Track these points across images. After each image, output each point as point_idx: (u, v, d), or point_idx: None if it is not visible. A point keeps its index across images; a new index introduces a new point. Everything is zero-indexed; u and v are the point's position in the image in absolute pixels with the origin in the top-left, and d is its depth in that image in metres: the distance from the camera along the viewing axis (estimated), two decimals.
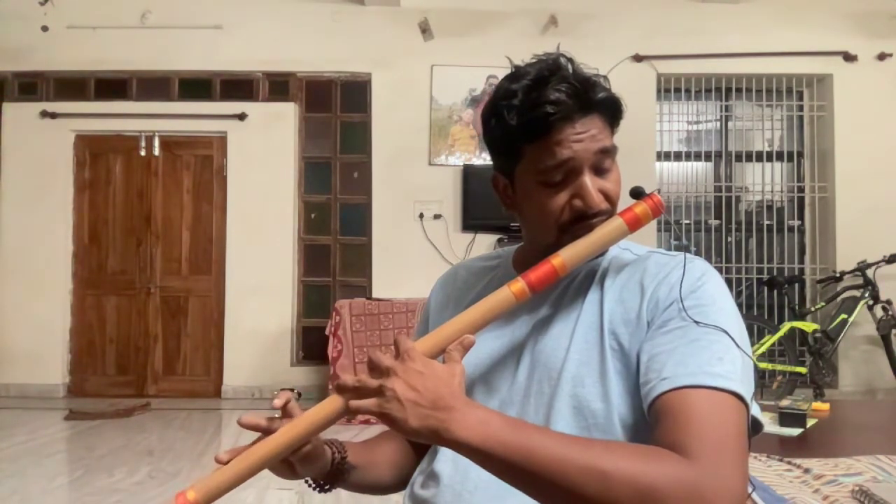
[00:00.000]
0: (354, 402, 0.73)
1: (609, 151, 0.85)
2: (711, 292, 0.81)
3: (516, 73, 0.86)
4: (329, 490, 0.93)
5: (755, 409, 0.78)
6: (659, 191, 0.85)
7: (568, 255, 0.82)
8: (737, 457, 0.69)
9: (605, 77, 0.87)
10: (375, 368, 0.73)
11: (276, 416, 0.83)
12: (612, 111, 0.86)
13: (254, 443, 0.80)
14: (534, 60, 0.87)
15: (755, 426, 0.79)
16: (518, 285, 0.82)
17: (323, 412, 0.78)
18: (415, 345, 0.76)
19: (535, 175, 0.85)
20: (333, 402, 0.77)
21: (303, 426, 0.78)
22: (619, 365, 0.81)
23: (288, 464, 0.84)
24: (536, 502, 0.78)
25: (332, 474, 0.90)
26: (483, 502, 0.83)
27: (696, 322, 0.77)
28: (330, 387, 4.05)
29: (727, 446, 0.69)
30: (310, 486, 0.92)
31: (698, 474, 0.66)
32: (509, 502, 0.80)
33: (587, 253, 0.83)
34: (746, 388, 0.74)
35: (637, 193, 0.84)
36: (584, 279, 0.90)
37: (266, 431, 0.80)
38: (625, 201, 0.86)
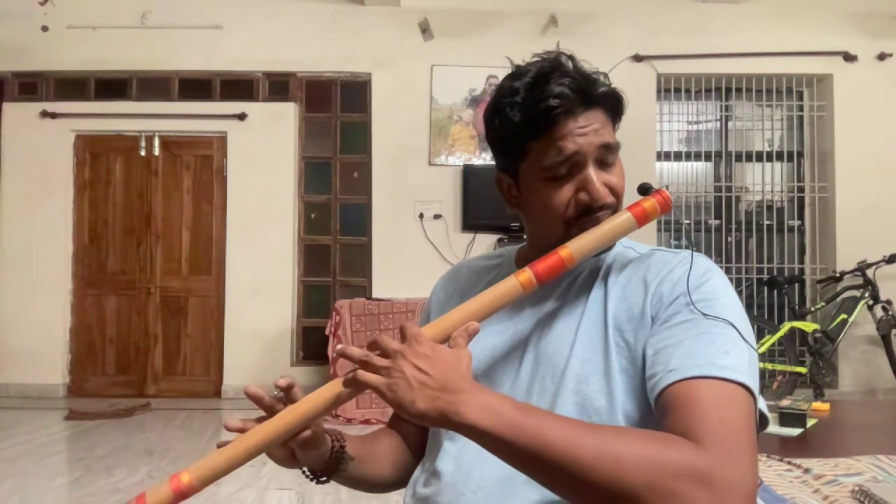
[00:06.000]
0: (362, 374, 0.73)
1: (612, 145, 0.85)
2: (716, 287, 0.81)
3: (518, 72, 0.87)
4: (326, 481, 0.91)
5: (762, 404, 0.78)
6: (667, 187, 0.85)
7: (576, 247, 0.82)
8: (747, 447, 0.69)
9: (605, 74, 0.88)
10: (382, 352, 0.73)
11: (278, 394, 0.82)
12: (613, 106, 0.87)
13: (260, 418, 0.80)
14: (535, 59, 0.87)
15: (762, 421, 0.79)
16: (525, 275, 0.81)
17: (323, 396, 0.77)
18: (421, 330, 0.75)
19: (539, 171, 0.85)
20: (334, 387, 0.76)
21: (302, 409, 0.77)
22: (625, 362, 0.81)
23: (287, 449, 0.83)
24: (540, 499, 0.77)
25: (331, 463, 0.89)
26: (485, 502, 0.82)
27: (704, 314, 0.77)
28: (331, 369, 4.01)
29: (738, 436, 0.68)
30: (307, 475, 0.90)
31: (710, 461, 0.66)
32: (512, 502, 0.80)
33: (595, 245, 0.83)
34: (754, 382, 0.74)
35: (645, 189, 0.85)
36: (588, 276, 0.90)
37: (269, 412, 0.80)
38: (631, 198, 0.86)
